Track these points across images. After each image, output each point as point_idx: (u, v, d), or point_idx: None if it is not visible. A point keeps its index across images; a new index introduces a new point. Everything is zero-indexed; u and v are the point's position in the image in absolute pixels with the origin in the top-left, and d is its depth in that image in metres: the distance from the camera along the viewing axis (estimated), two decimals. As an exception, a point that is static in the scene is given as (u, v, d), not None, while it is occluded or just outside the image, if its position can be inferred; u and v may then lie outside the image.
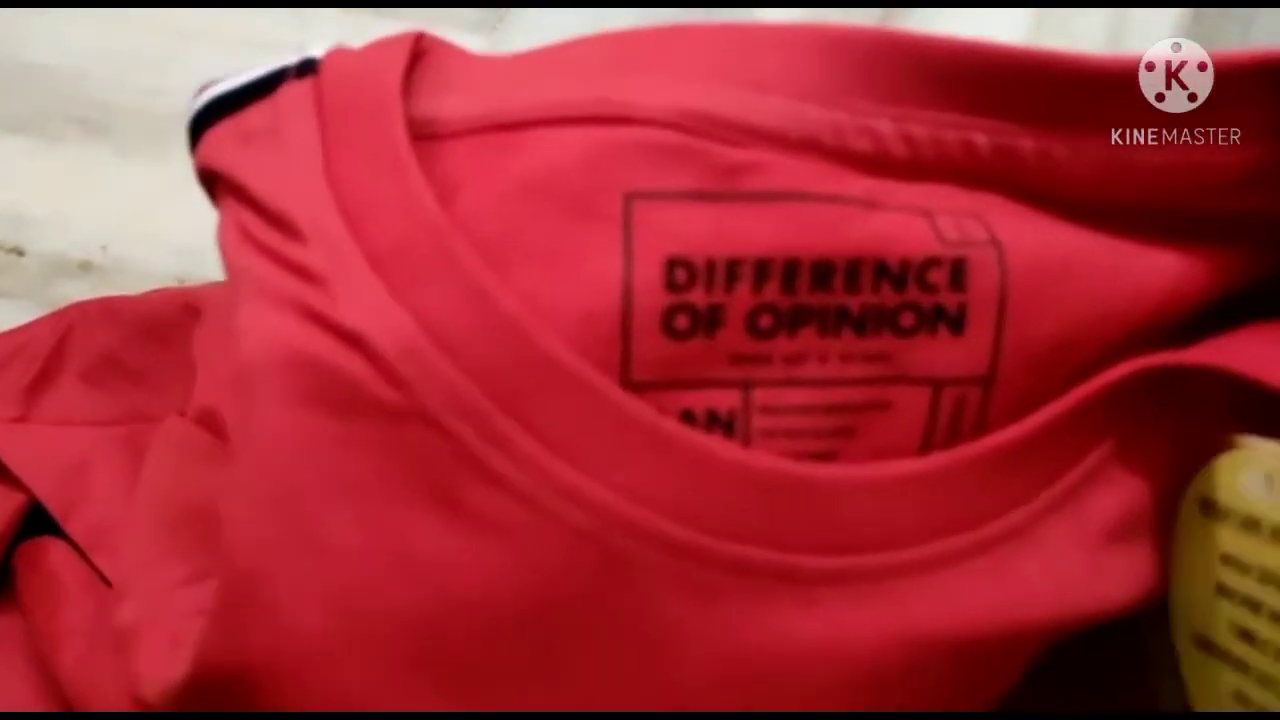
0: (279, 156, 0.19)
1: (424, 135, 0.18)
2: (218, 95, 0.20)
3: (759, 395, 0.18)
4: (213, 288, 0.32)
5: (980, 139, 0.18)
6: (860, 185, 0.18)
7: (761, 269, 0.18)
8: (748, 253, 0.18)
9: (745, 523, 0.18)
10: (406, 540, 0.17)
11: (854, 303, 0.18)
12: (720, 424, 0.18)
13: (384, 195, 0.18)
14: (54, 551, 0.27)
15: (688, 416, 0.18)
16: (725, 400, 0.18)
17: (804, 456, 0.18)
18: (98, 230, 0.39)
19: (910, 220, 0.18)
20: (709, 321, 0.18)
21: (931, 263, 0.18)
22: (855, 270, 0.18)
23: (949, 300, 0.18)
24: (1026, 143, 0.18)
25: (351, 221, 0.18)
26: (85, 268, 0.39)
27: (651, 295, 0.17)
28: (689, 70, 0.19)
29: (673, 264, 0.18)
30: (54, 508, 0.28)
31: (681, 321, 0.18)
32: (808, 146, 0.18)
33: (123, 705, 0.21)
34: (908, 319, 0.18)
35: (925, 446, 0.19)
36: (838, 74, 0.18)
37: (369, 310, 0.17)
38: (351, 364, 0.17)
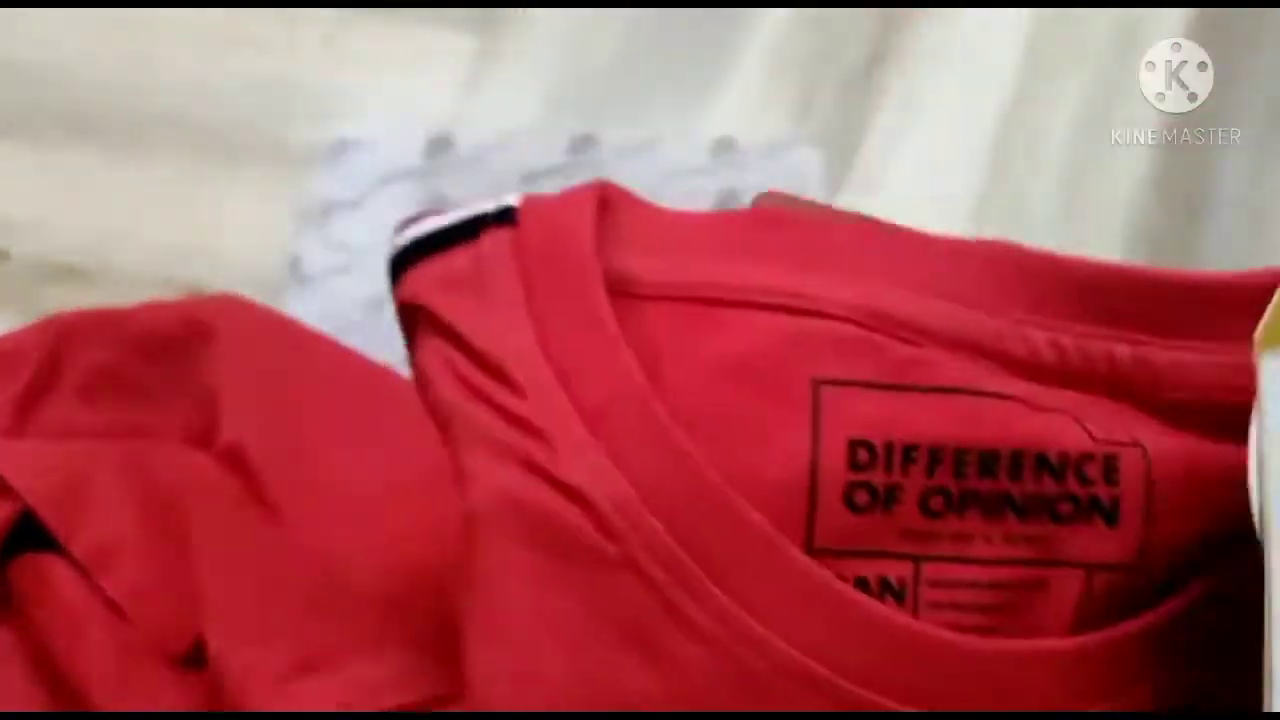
0: (486, 306, 0.21)
1: (621, 292, 0.21)
2: (419, 236, 0.22)
3: (928, 569, 0.21)
4: (222, 304, 0.32)
5: (1122, 350, 0.21)
6: (1017, 387, 0.21)
7: (934, 455, 0.21)
8: (922, 439, 0.21)
9: (912, 688, 0.20)
10: (609, 677, 0.20)
11: (1017, 490, 0.21)
12: (892, 592, 0.21)
13: (591, 356, 0.21)
14: (60, 574, 0.27)
15: (861, 583, 0.21)
16: (897, 570, 0.21)
17: (968, 630, 0.21)
18: (84, 233, 0.39)
19: (1064, 420, 0.21)
20: (886, 499, 0.21)
21: (1087, 458, 0.21)
22: (1018, 461, 0.21)
23: (1104, 493, 0.21)
24: (1161, 353, 0.21)
25: (562, 379, 0.21)
26: (71, 272, 0.38)
27: (836, 472, 0.20)
28: (867, 270, 0.22)
29: (855, 445, 0.21)
30: (55, 527, 0.28)
31: (861, 497, 0.21)
32: (970, 348, 0.21)
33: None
34: (1065, 507, 0.21)
35: (1077, 625, 0.21)
36: (1000, 286, 0.22)
37: (588, 468, 0.20)
38: (571, 514, 0.20)
